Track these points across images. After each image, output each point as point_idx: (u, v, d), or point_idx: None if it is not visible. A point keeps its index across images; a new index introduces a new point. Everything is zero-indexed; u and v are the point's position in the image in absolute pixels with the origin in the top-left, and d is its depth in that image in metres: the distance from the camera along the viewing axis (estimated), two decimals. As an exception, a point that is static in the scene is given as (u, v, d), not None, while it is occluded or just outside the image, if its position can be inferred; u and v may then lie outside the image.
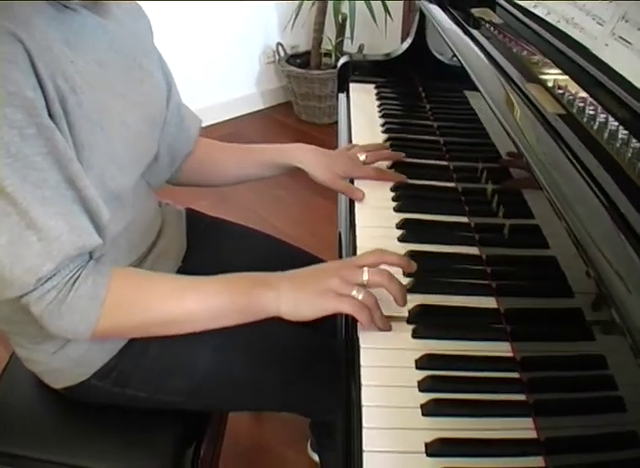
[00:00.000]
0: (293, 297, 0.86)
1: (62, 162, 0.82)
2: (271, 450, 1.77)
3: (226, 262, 1.24)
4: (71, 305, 0.84)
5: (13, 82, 0.76)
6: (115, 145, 0.92)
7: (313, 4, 3.42)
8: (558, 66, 1.00)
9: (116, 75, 0.96)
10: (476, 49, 1.13)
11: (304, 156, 1.22)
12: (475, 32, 1.23)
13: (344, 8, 3.36)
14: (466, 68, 1.09)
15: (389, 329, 0.87)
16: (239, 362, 1.07)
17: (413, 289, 0.93)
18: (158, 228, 1.18)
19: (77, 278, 0.84)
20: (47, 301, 0.83)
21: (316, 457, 1.64)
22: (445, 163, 1.27)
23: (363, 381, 0.80)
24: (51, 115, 0.81)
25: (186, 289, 0.90)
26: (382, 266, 0.89)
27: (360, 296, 0.84)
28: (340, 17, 3.40)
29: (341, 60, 1.69)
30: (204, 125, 1.30)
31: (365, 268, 0.87)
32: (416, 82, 1.64)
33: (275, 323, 1.13)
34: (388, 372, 0.82)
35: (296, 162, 1.22)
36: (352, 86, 1.65)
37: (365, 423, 0.74)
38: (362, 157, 1.24)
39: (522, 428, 0.74)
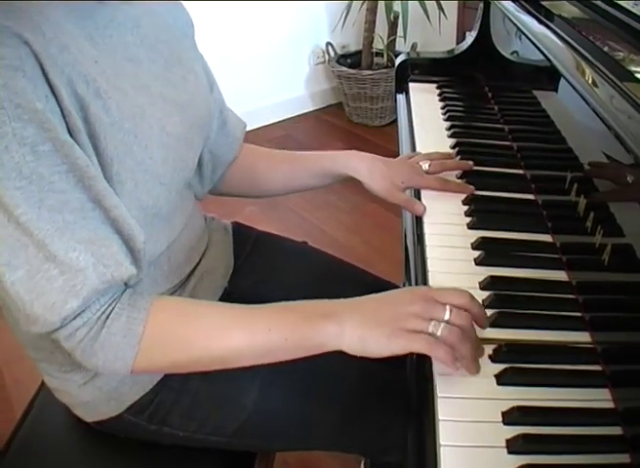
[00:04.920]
0: (358, 334, 0.73)
1: (85, 181, 0.71)
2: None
3: (277, 282, 1.15)
4: (104, 343, 0.74)
5: (19, 93, 0.66)
6: (153, 154, 0.81)
7: (363, 2, 3.32)
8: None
9: (153, 73, 0.85)
10: (561, 43, 1.00)
11: (359, 164, 1.09)
12: (553, 25, 1.10)
13: (396, 6, 3.27)
14: (557, 66, 0.97)
15: (477, 371, 0.74)
16: (291, 399, 0.97)
17: (495, 322, 0.81)
18: (204, 248, 1.07)
19: (109, 313, 0.75)
20: (78, 339, 0.74)
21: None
22: (521, 172, 1.14)
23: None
24: (68, 128, 0.71)
25: (232, 325, 0.79)
26: None
27: (439, 333, 0.72)
28: (392, 15, 3.30)
29: (399, 58, 1.58)
30: (253, 128, 1.19)
31: (448, 307, 0.73)
32: (480, 81, 1.52)
33: (331, 355, 1.03)
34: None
35: (350, 170, 1.09)
36: (412, 86, 1.53)
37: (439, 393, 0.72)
38: (425, 166, 1.10)
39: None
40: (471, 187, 1.09)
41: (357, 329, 0.73)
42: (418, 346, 0.72)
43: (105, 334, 0.74)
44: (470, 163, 1.14)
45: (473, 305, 0.75)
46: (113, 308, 0.75)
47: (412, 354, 0.79)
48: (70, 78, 0.70)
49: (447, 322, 0.72)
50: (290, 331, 0.76)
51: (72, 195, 0.71)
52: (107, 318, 0.74)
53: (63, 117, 0.70)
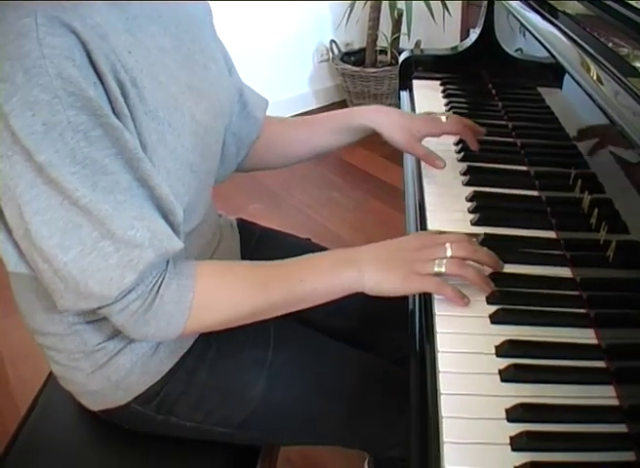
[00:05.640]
0: (376, 278, 0.83)
1: (133, 162, 0.75)
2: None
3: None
4: (157, 312, 0.79)
5: (73, 81, 0.69)
6: (184, 143, 0.84)
7: (367, 0, 3.30)
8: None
9: (178, 62, 0.87)
10: (566, 40, 1.00)
11: (378, 115, 1.12)
12: (558, 22, 1.10)
13: (400, 3, 3.26)
14: (562, 63, 0.97)
15: (489, 289, 0.83)
16: (297, 393, 0.98)
17: (499, 318, 0.81)
18: (216, 243, 1.08)
19: (161, 284, 0.79)
20: (131, 312, 0.78)
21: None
22: (525, 168, 1.14)
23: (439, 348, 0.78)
24: (115, 113, 0.74)
25: (270, 280, 0.86)
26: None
27: (443, 268, 0.81)
28: (395, 12, 3.30)
29: (403, 55, 1.58)
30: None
31: (447, 244, 0.83)
32: (484, 78, 1.51)
33: (336, 351, 1.04)
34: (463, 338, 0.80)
35: (368, 121, 1.12)
36: (416, 83, 1.52)
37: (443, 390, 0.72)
38: (442, 119, 1.14)
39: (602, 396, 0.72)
40: (483, 130, 1.16)
41: (375, 273, 0.83)
42: (428, 287, 0.82)
43: (158, 304, 0.79)
44: (483, 130, 1.18)
45: (478, 250, 0.85)
46: (163, 278, 0.79)
47: (414, 349, 0.83)
48: (114, 65, 0.73)
49: (450, 257, 0.82)
50: (320, 281, 0.85)
51: (121, 176, 0.74)
52: (159, 288, 0.78)
53: (110, 103, 0.73)
